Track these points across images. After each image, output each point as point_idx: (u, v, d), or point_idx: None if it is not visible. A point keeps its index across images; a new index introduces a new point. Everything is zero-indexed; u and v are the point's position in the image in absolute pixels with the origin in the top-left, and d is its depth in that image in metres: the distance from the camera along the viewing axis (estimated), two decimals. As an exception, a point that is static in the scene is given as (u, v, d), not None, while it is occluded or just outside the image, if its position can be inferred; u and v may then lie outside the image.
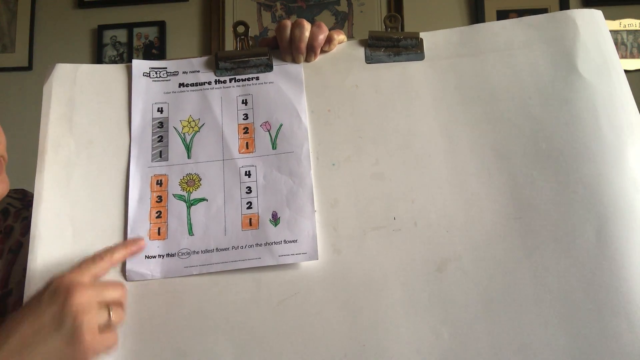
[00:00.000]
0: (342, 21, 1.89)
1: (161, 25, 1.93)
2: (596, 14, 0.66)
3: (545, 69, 0.63)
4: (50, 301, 0.48)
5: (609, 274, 0.55)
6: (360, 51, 0.67)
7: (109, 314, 0.51)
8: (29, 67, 1.92)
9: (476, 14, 1.84)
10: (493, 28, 0.66)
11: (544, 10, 1.82)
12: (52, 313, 0.47)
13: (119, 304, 0.53)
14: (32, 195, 0.60)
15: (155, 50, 1.92)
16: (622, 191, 0.58)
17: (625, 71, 0.63)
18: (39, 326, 0.47)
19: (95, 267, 0.53)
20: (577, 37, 0.64)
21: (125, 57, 1.93)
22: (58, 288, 0.49)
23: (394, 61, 0.66)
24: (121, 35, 1.94)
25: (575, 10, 0.65)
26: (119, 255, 0.56)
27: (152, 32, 1.93)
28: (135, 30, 1.94)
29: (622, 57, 1.76)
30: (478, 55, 0.65)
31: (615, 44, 1.74)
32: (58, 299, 0.48)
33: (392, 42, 0.66)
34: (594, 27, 0.65)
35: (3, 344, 0.46)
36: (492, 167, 0.60)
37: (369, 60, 0.66)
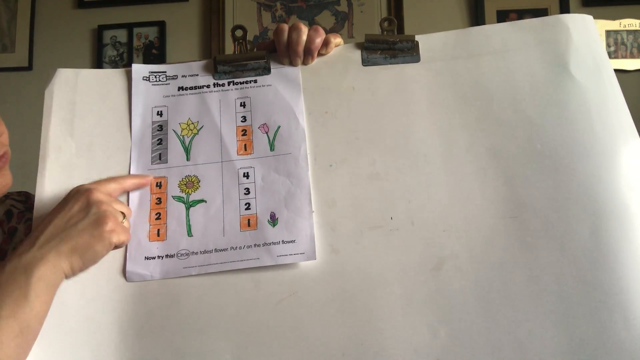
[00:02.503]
0: (342, 21, 1.88)
1: (161, 26, 1.93)
2: (587, 18, 0.67)
3: (539, 71, 0.64)
4: (75, 199, 0.56)
5: (603, 271, 0.55)
6: (357, 54, 0.67)
7: (123, 216, 0.58)
8: (29, 67, 1.92)
9: (476, 14, 1.84)
10: (488, 31, 0.67)
11: (544, 11, 1.81)
12: (79, 206, 0.55)
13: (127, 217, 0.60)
14: (34, 198, 0.61)
15: (155, 51, 1.92)
16: (615, 190, 0.58)
17: (625, 71, 0.64)
18: (70, 216, 0.55)
19: (109, 185, 0.59)
20: (569, 40, 0.65)
21: (125, 57, 1.93)
22: (79, 190, 0.57)
23: (390, 63, 0.66)
24: (121, 35, 1.94)
25: (567, 15, 0.67)
26: (129, 183, 0.61)
27: (152, 32, 1.93)
28: (135, 30, 1.94)
29: (622, 57, 1.74)
30: (473, 58, 0.66)
31: (615, 44, 1.75)
32: (82, 196, 0.56)
33: (388, 45, 0.66)
34: (585, 31, 0.66)
35: (43, 230, 0.54)
36: (487, 167, 0.61)
37: (365, 62, 0.67)
